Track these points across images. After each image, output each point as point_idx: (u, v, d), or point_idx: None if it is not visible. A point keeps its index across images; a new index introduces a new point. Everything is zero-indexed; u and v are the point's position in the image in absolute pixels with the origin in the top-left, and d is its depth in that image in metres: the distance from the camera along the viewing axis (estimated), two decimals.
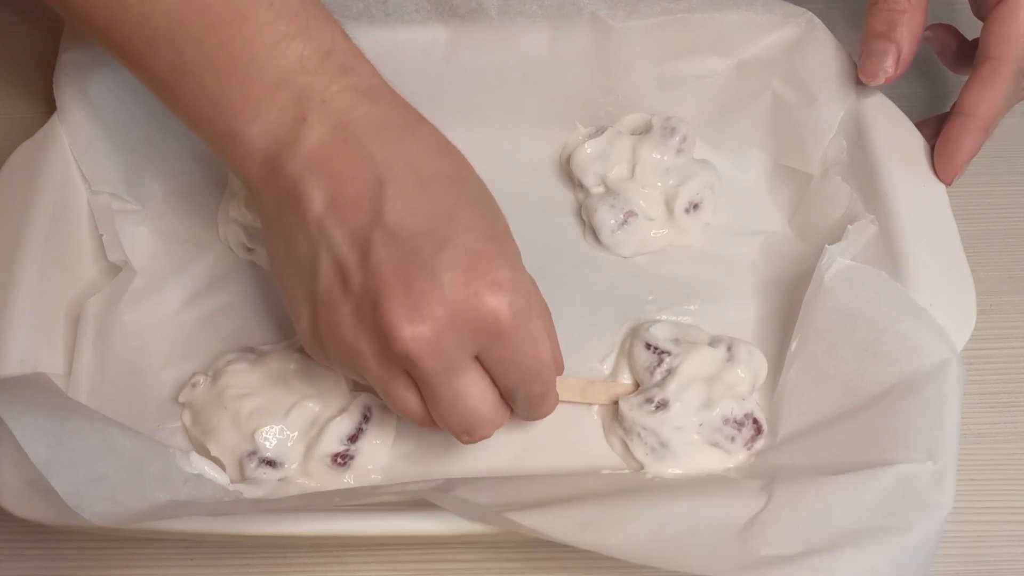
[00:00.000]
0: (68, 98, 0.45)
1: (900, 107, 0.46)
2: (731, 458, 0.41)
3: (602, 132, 0.50)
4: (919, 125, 0.46)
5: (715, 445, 0.41)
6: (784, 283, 0.46)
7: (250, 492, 0.40)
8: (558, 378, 0.40)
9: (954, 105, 0.44)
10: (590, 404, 0.44)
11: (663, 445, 0.41)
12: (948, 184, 0.43)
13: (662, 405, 0.41)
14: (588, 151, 0.49)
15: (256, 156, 0.36)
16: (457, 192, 0.36)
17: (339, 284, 0.35)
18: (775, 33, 0.48)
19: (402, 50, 0.49)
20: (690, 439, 0.41)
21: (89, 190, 0.45)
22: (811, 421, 0.40)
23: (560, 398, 0.41)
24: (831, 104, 0.46)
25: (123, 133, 0.46)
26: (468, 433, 0.37)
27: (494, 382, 0.37)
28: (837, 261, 0.41)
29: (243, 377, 0.42)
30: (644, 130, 0.50)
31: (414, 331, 0.33)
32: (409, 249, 0.34)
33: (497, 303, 0.34)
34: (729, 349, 0.43)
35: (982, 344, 0.46)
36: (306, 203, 0.35)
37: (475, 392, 0.36)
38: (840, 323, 0.40)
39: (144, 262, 0.46)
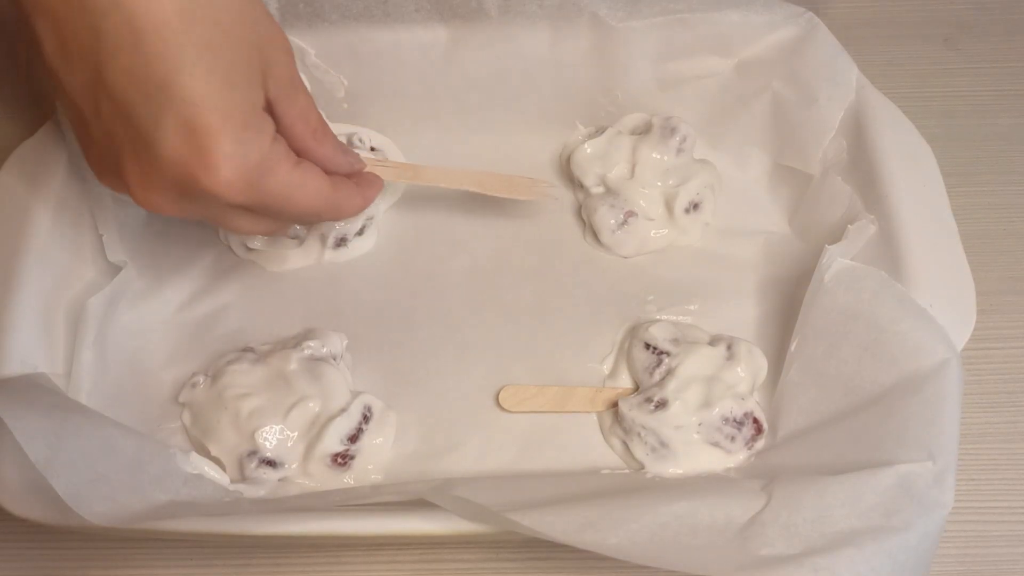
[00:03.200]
0: None
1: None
2: (731, 458, 0.41)
3: (602, 132, 0.50)
4: None
5: (715, 445, 0.41)
6: (784, 283, 0.46)
7: (250, 492, 0.40)
8: (566, 390, 0.42)
9: None
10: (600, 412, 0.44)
11: (663, 445, 0.41)
12: None
13: (661, 404, 0.41)
14: (588, 151, 0.49)
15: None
16: (177, 44, 0.32)
17: (82, 127, 0.35)
18: (775, 33, 0.48)
19: (402, 50, 0.49)
20: (690, 439, 0.41)
21: (89, 190, 0.45)
22: (811, 421, 0.40)
23: (569, 409, 0.43)
24: (831, 104, 0.46)
25: None
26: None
27: None
28: (837, 261, 0.41)
29: (243, 377, 0.42)
30: (644, 130, 0.50)
31: (146, 198, 0.35)
32: (130, 116, 0.33)
33: (216, 183, 0.34)
34: (729, 348, 0.43)
35: (982, 344, 0.46)
36: (40, 44, 0.34)
37: (244, 225, 0.38)
38: (840, 323, 0.40)
39: (144, 262, 0.46)
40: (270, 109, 0.37)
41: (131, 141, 0.34)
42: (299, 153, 0.38)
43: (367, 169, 0.43)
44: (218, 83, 0.33)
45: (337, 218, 0.40)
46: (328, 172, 0.39)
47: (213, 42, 0.33)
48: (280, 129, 0.37)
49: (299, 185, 0.37)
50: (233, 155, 0.34)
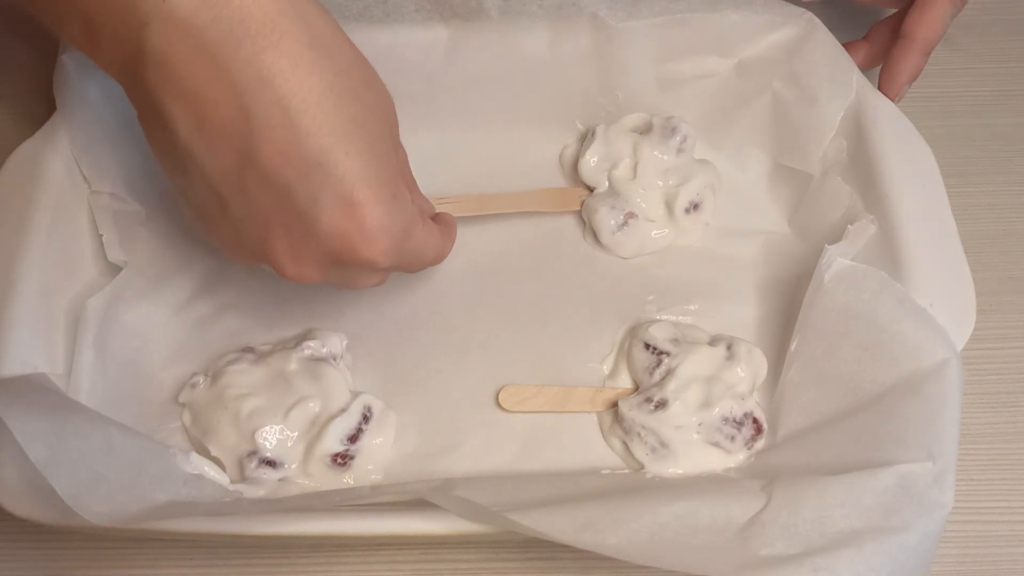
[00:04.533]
0: (68, 98, 0.45)
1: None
2: (731, 458, 0.41)
3: (593, 134, 0.50)
4: (847, 46, 0.48)
5: (715, 445, 0.41)
6: (784, 283, 0.46)
7: (250, 492, 0.40)
8: (566, 390, 0.43)
9: (871, 29, 0.49)
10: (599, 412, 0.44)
11: (663, 445, 0.41)
12: (894, 101, 0.46)
13: (661, 404, 0.41)
14: (592, 162, 0.49)
15: (111, 65, 0.34)
16: (328, 122, 0.33)
17: (217, 206, 0.35)
18: (775, 33, 0.48)
19: (402, 50, 0.49)
20: (690, 438, 0.41)
21: (89, 190, 0.45)
22: (811, 421, 0.40)
23: (569, 409, 0.43)
24: (831, 104, 0.46)
25: (123, 133, 0.46)
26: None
27: None
28: (837, 261, 0.41)
29: (243, 377, 0.42)
30: (644, 130, 0.50)
31: (299, 271, 0.36)
32: (284, 197, 0.34)
33: (371, 253, 0.35)
34: (729, 348, 0.43)
35: (982, 344, 0.46)
36: (172, 124, 0.33)
37: (371, 281, 0.40)
38: (840, 323, 0.40)
39: (144, 262, 0.46)
40: None
41: (282, 216, 0.35)
42: None
43: (438, 206, 0.46)
44: (368, 156, 0.34)
45: (436, 263, 0.42)
46: None
47: (358, 117, 0.34)
48: None
49: (428, 241, 0.40)
50: (387, 225, 0.35)
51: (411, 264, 0.40)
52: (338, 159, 0.34)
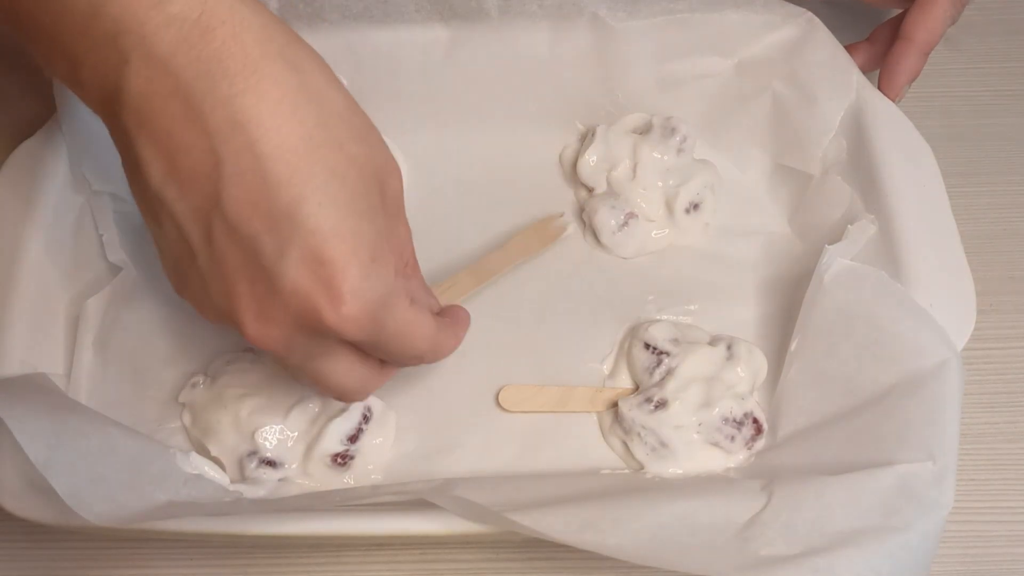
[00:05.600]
0: (68, 98, 0.45)
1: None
2: (731, 458, 0.41)
3: (593, 135, 0.50)
4: (849, 48, 0.48)
5: (715, 445, 0.41)
6: (784, 283, 0.46)
7: (250, 492, 0.40)
8: (566, 389, 0.42)
9: (874, 31, 0.49)
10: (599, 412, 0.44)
11: (663, 445, 0.41)
12: (894, 101, 0.46)
13: (661, 404, 0.41)
14: (592, 161, 0.49)
15: (93, 103, 0.32)
16: (303, 171, 0.31)
17: (186, 255, 0.33)
18: (775, 33, 0.48)
19: (402, 50, 0.49)
20: (690, 438, 0.41)
21: (89, 190, 0.45)
22: (811, 421, 0.40)
23: (569, 409, 0.43)
24: (831, 104, 0.46)
25: None
26: (340, 399, 0.37)
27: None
28: (837, 261, 0.41)
29: (243, 377, 0.42)
30: (644, 130, 0.50)
31: (261, 331, 0.32)
32: (250, 249, 0.31)
33: (338, 320, 0.32)
34: (729, 348, 0.43)
35: (982, 344, 0.46)
36: (144, 167, 0.31)
37: (339, 370, 0.35)
38: (840, 323, 0.40)
39: (144, 262, 0.46)
40: None
41: (248, 271, 0.32)
42: None
43: (439, 295, 0.42)
44: (345, 212, 0.31)
45: (433, 360, 0.38)
46: None
47: (338, 169, 0.31)
48: None
49: (415, 323, 0.35)
50: (360, 289, 0.32)
51: (392, 349, 0.35)
52: (310, 211, 0.31)
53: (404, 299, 0.34)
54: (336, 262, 0.31)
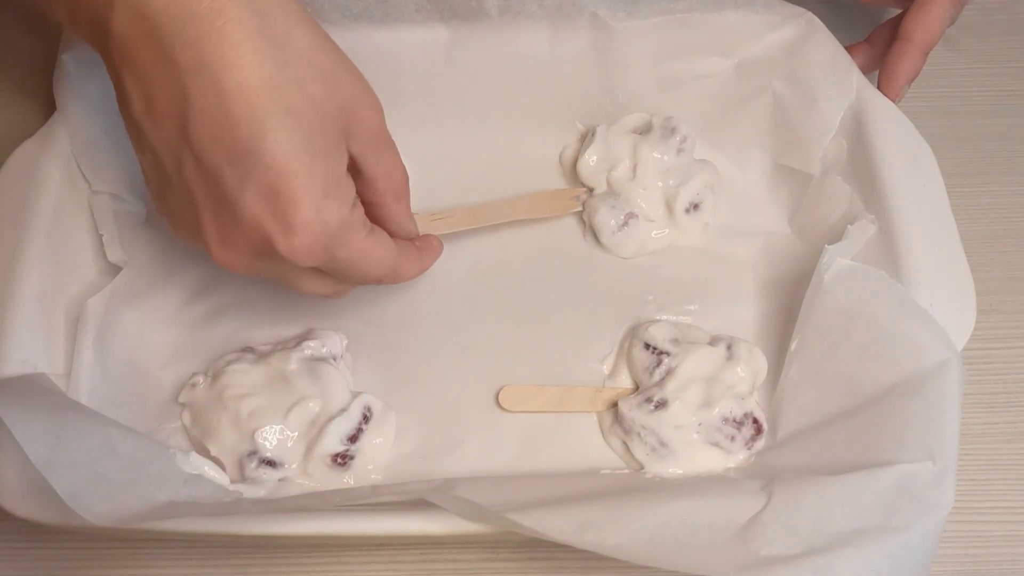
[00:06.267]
0: (68, 98, 0.45)
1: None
2: (731, 458, 0.41)
3: (593, 134, 0.50)
4: (848, 49, 0.48)
5: (715, 445, 0.41)
6: (784, 283, 0.46)
7: (250, 492, 0.40)
8: (566, 389, 0.42)
9: (873, 32, 0.49)
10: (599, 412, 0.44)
11: (663, 445, 0.41)
12: (894, 102, 0.46)
13: (661, 404, 0.41)
14: (592, 162, 0.49)
15: (90, 41, 0.35)
16: (262, 109, 0.33)
17: (163, 183, 0.36)
18: (775, 33, 0.48)
19: (402, 50, 0.49)
20: (690, 438, 0.41)
21: (89, 190, 0.45)
22: (811, 421, 0.40)
23: (569, 409, 0.43)
24: (831, 104, 0.46)
25: (123, 133, 0.46)
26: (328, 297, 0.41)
27: None
28: (837, 261, 0.41)
29: (243, 377, 0.42)
30: (644, 130, 0.50)
31: (225, 256, 0.36)
32: (213, 180, 0.34)
33: (291, 248, 0.35)
34: (729, 348, 0.43)
35: (982, 344, 0.46)
36: (128, 101, 0.35)
37: (306, 285, 0.39)
38: (840, 323, 0.40)
39: (144, 262, 0.46)
40: (354, 165, 0.38)
41: (212, 199, 0.35)
42: (374, 207, 0.40)
43: (431, 223, 0.46)
44: (300, 149, 0.34)
45: (395, 282, 0.42)
46: (393, 234, 0.41)
47: (296, 107, 0.34)
48: (363, 183, 0.39)
49: (368, 253, 0.38)
50: (311, 221, 0.35)
51: (345, 272, 0.38)
52: (266, 146, 0.33)
53: (360, 231, 0.37)
54: (289, 196, 0.34)
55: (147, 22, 0.33)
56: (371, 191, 0.39)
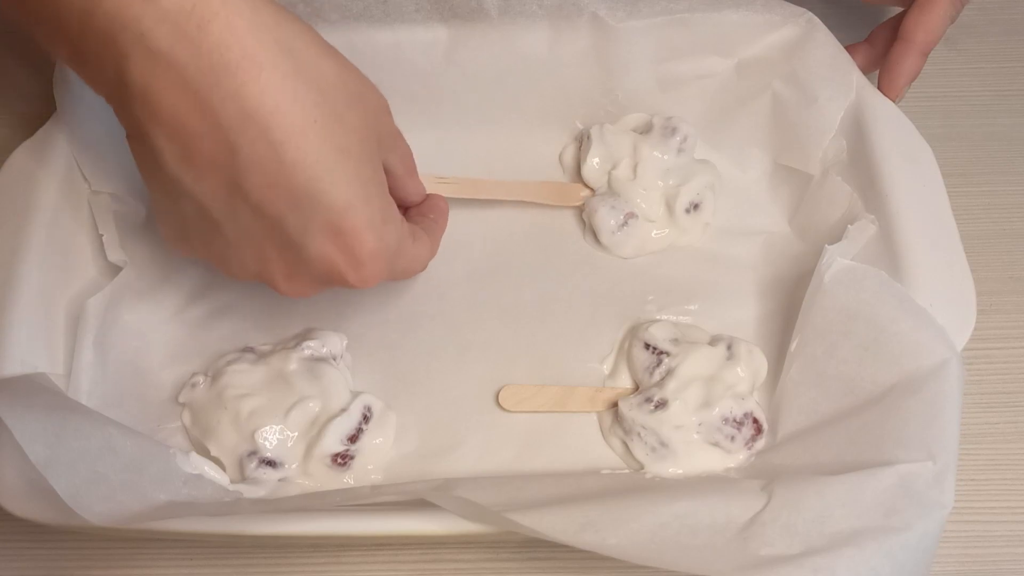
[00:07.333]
0: (68, 98, 0.45)
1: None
2: (731, 458, 0.41)
3: (588, 137, 0.50)
4: (848, 49, 0.48)
5: (715, 445, 0.41)
6: (784, 283, 0.46)
7: (250, 492, 0.40)
8: (566, 389, 0.43)
9: (873, 32, 0.50)
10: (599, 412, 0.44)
11: (663, 444, 0.41)
12: (894, 102, 0.46)
13: (661, 404, 0.41)
14: (596, 164, 0.49)
15: (101, 90, 0.34)
16: (315, 152, 0.34)
17: (210, 228, 0.36)
18: (775, 33, 0.48)
19: (402, 50, 0.49)
20: (690, 438, 0.41)
21: (89, 190, 0.45)
22: (811, 421, 0.40)
23: (569, 409, 0.43)
24: (831, 104, 0.46)
25: (123, 133, 0.46)
26: None
27: None
28: (837, 261, 0.41)
29: (243, 377, 0.42)
30: (644, 130, 0.50)
31: (291, 288, 0.38)
32: (275, 225, 0.35)
33: (360, 279, 0.37)
34: (729, 348, 0.43)
35: (982, 344, 0.46)
36: (158, 153, 0.34)
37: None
38: (840, 323, 0.40)
39: (144, 262, 0.46)
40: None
41: (275, 241, 0.36)
42: (395, 189, 0.42)
43: (436, 184, 0.47)
44: (355, 184, 0.35)
45: (424, 270, 0.43)
46: (410, 203, 0.44)
47: (343, 144, 0.35)
48: (384, 173, 0.40)
49: (417, 257, 0.41)
50: (376, 251, 0.36)
51: (400, 277, 0.41)
52: (324, 188, 0.34)
53: (409, 239, 0.40)
54: (354, 232, 0.36)
55: (173, 72, 0.32)
56: (391, 177, 0.41)
